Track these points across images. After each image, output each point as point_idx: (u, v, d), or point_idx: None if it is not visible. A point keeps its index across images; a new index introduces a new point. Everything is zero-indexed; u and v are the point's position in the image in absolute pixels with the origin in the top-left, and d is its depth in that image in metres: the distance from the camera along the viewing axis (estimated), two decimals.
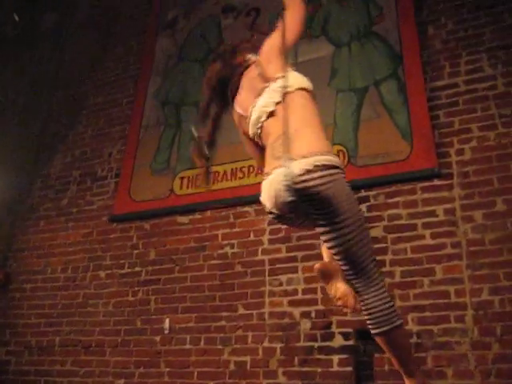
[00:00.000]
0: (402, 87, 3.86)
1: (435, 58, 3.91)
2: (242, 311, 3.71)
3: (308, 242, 3.69)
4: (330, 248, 1.90)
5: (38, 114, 5.61)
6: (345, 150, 3.80)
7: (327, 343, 3.38)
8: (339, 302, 1.94)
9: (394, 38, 4.10)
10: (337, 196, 1.80)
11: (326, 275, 1.98)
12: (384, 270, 3.37)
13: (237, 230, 4.01)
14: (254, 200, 3.92)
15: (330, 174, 1.82)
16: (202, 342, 3.77)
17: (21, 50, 5.82)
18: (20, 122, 5.44)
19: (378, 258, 3.42)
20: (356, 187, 3.22)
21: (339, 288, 1.93)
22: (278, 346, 3.50)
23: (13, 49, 5.71)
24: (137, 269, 4.27)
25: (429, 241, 3.35)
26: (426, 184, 3.51)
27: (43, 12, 6.19)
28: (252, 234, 3.92)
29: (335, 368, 3.29)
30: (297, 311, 3.55)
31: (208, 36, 5.11)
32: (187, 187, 4.34)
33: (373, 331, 1.88)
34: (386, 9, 4.27)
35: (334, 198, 1.80)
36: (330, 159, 1.85)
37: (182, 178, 4.40)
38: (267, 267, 3.77)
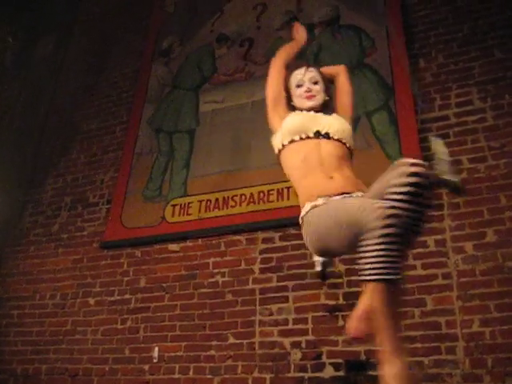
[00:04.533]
0: (394, 119, 3.91)
1: (426, 91, 3.97)
2: (231, 340, 3.68)
3: (299, 271, 3.68)
4: None
5: (31, 139, 5.60)
6: None
7: (318, 374, 3.34)
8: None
9: (385, 70, 4.15)
10: None
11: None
12: None
13: (228, 258, 3.99)
14: (246, 229, 3.96)
15: None
16: (191, 372, 3.72)
17: (16, 75, 5.85)
18: (13, 147, 5.44)
19: None
20: None
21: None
22: (268, 376, 3.46)
23: (8, 73, 5.74)
24: (126, 296, 4.23)
25: (420, 271, 3.35)
26: None
27: (39, 37, 6.25)
28: (243, 263, 3.91)
29: None
30: (287, 341, 3.52)
31: (202, 65, 5.17)
32: (179, 215, 4.33)
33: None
34: (377, 41, 4.34)
35: None
36: None
37: (174, 206, 4.39)
38: (258, 296, 3.74)
